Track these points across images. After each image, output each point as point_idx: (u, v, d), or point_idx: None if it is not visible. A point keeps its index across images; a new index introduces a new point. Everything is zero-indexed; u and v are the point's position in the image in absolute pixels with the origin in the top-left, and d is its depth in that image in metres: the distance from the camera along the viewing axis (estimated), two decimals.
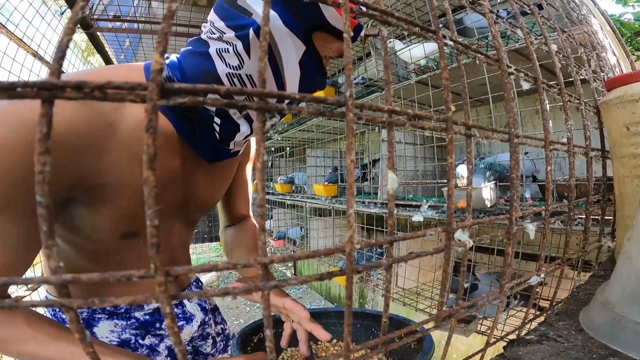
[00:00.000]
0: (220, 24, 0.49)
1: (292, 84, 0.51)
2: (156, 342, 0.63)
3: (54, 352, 0.43)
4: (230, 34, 0.48)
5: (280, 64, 0.49)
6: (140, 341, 0.61)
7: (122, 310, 0.61)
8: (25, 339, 0.42)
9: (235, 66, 0.49)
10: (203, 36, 0.52)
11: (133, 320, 0.61)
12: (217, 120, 0.51)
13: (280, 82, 0.50)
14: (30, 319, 0.44)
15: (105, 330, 0.59)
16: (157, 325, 0.63)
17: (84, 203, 0.47)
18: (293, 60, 0.49)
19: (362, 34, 0.54)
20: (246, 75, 0.49)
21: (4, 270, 0.40)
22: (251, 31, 0.47)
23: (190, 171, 0.56)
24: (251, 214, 0.88)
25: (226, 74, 0.49)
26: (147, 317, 0.63)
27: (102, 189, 0.46)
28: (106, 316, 0.59)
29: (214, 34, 0.50)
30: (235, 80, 0.49)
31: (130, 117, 0.46)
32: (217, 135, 0.53)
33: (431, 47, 1.41)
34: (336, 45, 0.51)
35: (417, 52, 1.44)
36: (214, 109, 0.51)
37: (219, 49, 0.49)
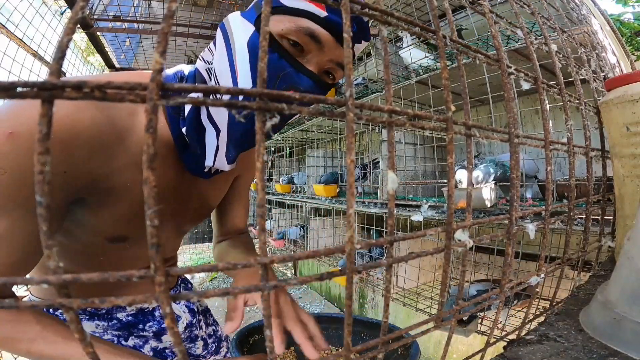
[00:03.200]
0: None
1: (243, 69, 0.46)
2: (140, 343, 0.63)
3: (65, 351, 0.43)
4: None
5: (233, 49, 0.47)
6: (124, 342, 0.61)
7: (104, 311, 0.60)
8: (34, 338, 0.42)
9: (208, 60, 0.51)
10: None
11: (115, 321, 0.61)
12: (184, 130, 0.50)
13: (233, 70, 0.47)
14: (38, 317, 0.44)
15: (86, 331, 0.58)
16: (140, 326, 0.63)
17: (88, 204, 0.47)
18: (242, 42, 0.46)
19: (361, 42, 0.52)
20: (213, 66, 0.49)
21: (10, 269, 0.40)
22: (219, 27, 0.50)
23: (185, 181, 0.56)
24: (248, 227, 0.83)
25: (205, 69, 0.51)
26: (129, 318, 0.62)
27: (107, 192, 0.46)
28: (87, 317, 0.59)
29: None
30: (213, 74, 0.49)
31: (141, 126, 0.46)
32: (192, 148, 0.51)
33: (417, 54, 1.43)
34: (288, 23, 0.45)
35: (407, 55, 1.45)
36: (187, 118, 0.50)
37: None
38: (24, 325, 0.42)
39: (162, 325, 0.66)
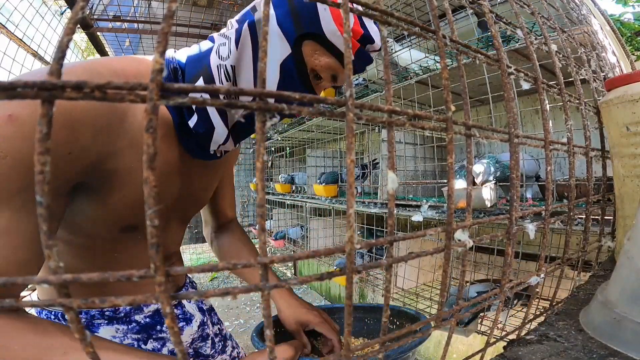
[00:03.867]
0: (233, 21, 0.51)
1: (270, 88, 0.49)
2: (159, 346, 0.62)
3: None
4: (232, 29, 0.50)
5: None
6: (143, 346, 0.61)
7: (122, 315, 0.60)
8: (67, 351, 0.39)
9: (224, 57, 0.49)
10: (215, 35, 0.53)
11: (134, 324, 0.60)
12: (192, 120, 0.50)
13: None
14: (63, 329, 0.41)
15: (107, 335, 0.58)
16: (158, 327, 0.63)
17: (93, 190, 0.46)
18: (275, 61, 0.48)
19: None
20: (230, 65, 0.48)
21: (17, 267, 0.38)
22: (245, 24, 0.49)
23: (187, 164, 0.56)
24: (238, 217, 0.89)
25: (216, 66, 0.49)
26: (147, 319, 0.62)
27: (111, 174, 0.45)
28: (106, 321, 0.58)
29: (224, 30, 0.52)
30: (222, 71, 0.49)
31: (140, 107, 0.46)
32: (194, 135, 0.52)
33: (415, 54, 1.43)
34: (325, 60, 0.49)
35: (406, 56, 1.45)
36: (192, 107, 0.49)
37: (220, 43, 0.50)
38: (52, 339, 0.40)
39: (180, 325, 0.66)
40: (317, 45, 0.49)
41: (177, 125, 0.51)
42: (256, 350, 0.56)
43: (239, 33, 0.49)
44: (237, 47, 0.48)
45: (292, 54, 0.48)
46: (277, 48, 0.48)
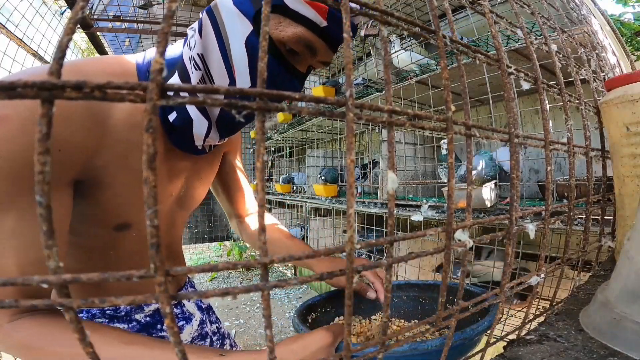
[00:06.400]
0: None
1: (241, 68, 0.47)
2: None
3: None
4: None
5: (228, 46, 0.47)
6: None
7: (123, 314, 0.60)
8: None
9: (192, 47, 0.49)
10: (188, 29, 0.53)
11: (134, 323, 0.61)
12: (172, 115, 0.49)
13: (228, 66, 0.48)
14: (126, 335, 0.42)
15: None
16: (158, 326, 0.63)
17: (84, 188, 0.46)
18: (239, 41, 0.47)
19: (362, 33, 0.51)
20: (197, 54, 0.48)
21: (31, 268, 0.38)
22: (204, 12, 0.48)
23: (178, 158, 0.56)
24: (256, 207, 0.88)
25: (188, 57, 0.49)
26: (147, 319, 0.62)
27: (100, 172, 0.45)
28: (107, 320, 0.59)
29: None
30: (192, 61, 0.49)
31: (124, 104, 0.45)
32: (177, 129, 0.51)
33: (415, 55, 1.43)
34: (291, 30, 0.46)
35: (405, 57, 1.45)
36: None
37: (190, 36, 0.50)
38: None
39: (180, 324, 0.66)
40: (281, 17, 0.46)
41: (162, 120, 0.51)
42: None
43: (200, 21, 0.49)
44: (200, 35, 0.48)
45: (254, 31, 0.46)
46: (238, 27, 0.46)
